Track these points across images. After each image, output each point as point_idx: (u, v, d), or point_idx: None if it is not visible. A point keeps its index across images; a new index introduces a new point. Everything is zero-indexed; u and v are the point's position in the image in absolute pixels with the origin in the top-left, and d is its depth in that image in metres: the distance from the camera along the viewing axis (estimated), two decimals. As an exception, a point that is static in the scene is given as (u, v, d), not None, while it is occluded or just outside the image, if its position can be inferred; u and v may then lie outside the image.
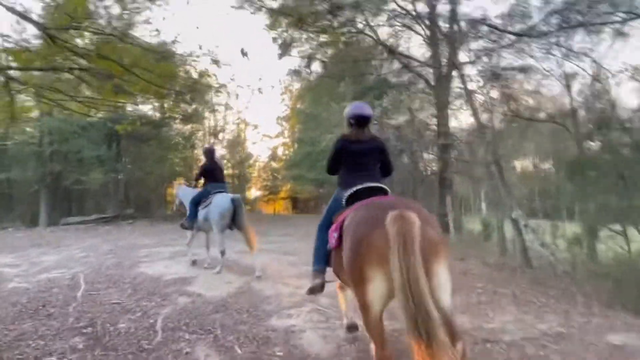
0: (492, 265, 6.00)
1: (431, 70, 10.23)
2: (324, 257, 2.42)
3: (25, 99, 10.99)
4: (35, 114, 14.76)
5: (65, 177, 14.27)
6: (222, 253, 4.92)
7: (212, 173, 5.25)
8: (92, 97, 10.36)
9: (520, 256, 6.69)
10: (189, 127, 23.61)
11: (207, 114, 24.02)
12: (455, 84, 10.05)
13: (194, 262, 5.49)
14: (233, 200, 4.87)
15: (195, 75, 18.66)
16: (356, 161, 2.39)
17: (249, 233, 4.89)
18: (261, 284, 4.46)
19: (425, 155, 12.65)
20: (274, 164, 33.70)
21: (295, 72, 13.79)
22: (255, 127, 32.25)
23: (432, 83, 10.29)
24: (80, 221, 13.59)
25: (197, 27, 31.21)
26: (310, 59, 13.04)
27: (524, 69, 9.16)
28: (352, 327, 2.77)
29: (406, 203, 1.90)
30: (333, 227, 2.17)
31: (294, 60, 12.73)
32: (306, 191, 27.73)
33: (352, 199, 2.26)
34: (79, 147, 14.03)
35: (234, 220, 4.91)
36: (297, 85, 30.86)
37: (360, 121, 2.48)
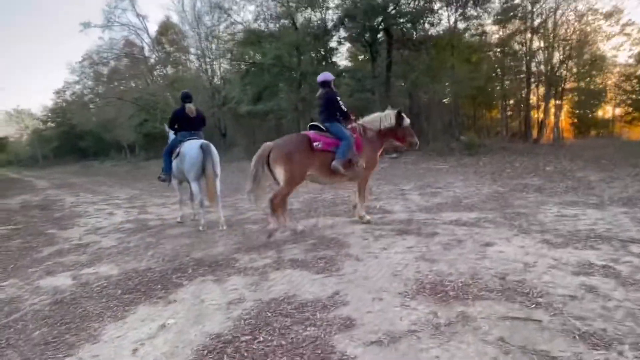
0: None
1: None
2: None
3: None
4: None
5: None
6: (201, 204, 4.89)
7: (184, 120, 5.08)
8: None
9: None
10: (496, 27, 16.60)
11: (528, 6, 15.66)
12: None
13: (180, 222, 5.33)
14: (201, 146, 4.74)
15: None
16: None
17: (210, 184, 4.67)
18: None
19: None
20: (642, 68, 21.64)
21: None
22: (610, 15, 17.91)
23: None
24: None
25: None
26: None
27: None
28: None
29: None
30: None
31: None
32: None
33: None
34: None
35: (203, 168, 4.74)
36: None
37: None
